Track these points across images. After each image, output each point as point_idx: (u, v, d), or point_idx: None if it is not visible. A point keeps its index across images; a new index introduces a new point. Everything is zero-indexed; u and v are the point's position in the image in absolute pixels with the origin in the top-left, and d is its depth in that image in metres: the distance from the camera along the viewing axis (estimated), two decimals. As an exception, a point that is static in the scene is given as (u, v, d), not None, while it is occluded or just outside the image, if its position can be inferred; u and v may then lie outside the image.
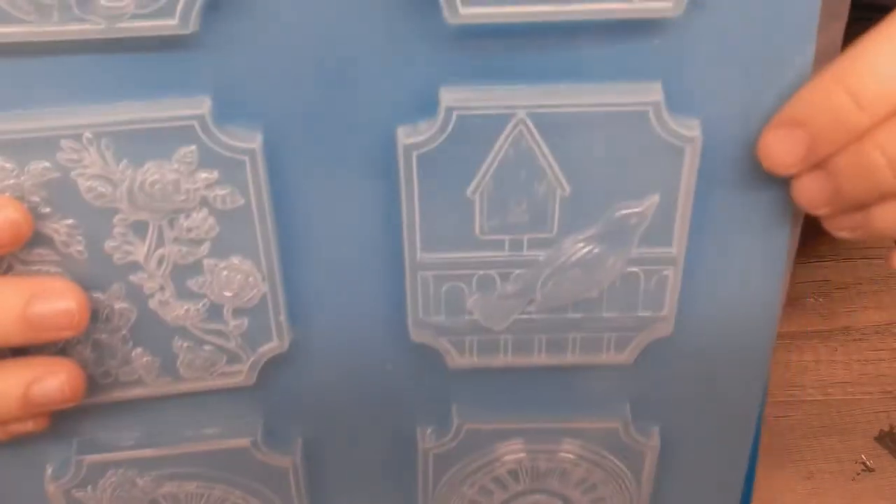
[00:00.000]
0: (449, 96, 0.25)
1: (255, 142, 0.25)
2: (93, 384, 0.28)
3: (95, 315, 0.26)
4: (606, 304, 0.28)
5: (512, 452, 0.32)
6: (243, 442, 0.30)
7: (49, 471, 0.30)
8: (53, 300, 0.24)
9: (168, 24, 0.22)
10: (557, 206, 0.26)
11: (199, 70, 0.24)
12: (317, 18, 0.24)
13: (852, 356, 0.49)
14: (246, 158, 0.25)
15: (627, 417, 0.31)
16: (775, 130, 0.25)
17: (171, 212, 0.25)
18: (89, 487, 0.30)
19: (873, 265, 0.51)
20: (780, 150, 0.25)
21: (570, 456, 0.32)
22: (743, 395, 0.31)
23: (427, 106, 0.25)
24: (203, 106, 0.24)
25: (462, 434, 0.31)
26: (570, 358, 0.30)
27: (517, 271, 0.28)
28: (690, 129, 0.25)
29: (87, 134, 0.24)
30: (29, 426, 0.27)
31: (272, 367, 0.29)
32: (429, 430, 0.31)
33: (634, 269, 0.28)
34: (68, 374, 0.26)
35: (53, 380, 0.26)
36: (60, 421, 0.29)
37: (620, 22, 0.24)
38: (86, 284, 0.26)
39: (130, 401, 0.29)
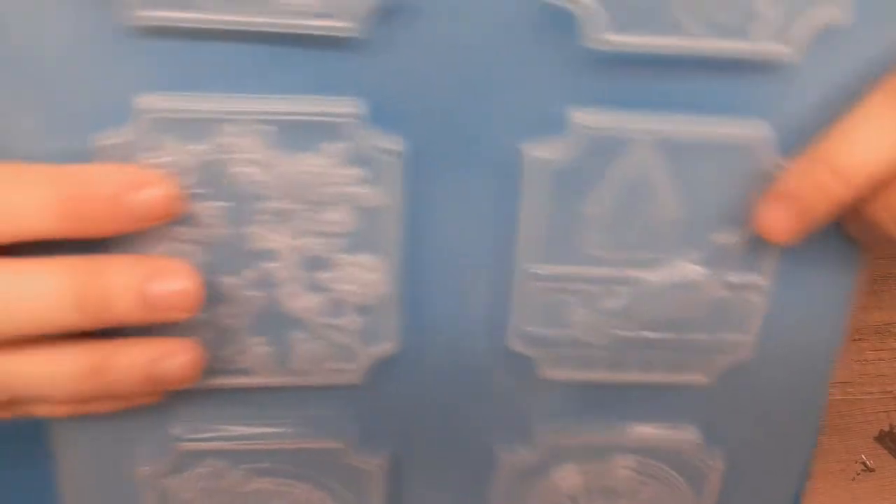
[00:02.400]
0: (579, 116, 0.27)
1: (400, 144, 0.26)
2: (205, 368, 0.28)
3: (223, 299, 0.27)
4: (697, 325, 0.30)
5: (581, 471, 0.33)
6: (337, 444, 0.31)
7: (142, 454, 0.30)
8: (171, 280, 0.25)
9: (344, 27, 0.24)
10: (665, 229, 0.28)
11: (359, 72, 0.26)
12: (466, 35, 0.26)
13: (852, 356, 0.49)
14: (391, 160, 0.26)
15: (698, 438, 0.33)
16: (769, 204, 0.27)
17: (315, 203, 0.26)
18: (180, 476, 0.30)
19: (873, 265, 0.53)
20: (775, 222, 0.27)
21: (633, 473, 0.33)
22: (803, 419, 0.33)
23: (552, 125, 0.27)
24: (358, 106, 0.26)
25: (542, 449, 0.32)
26: (656, 377, 0.31)
27: (620, 288, 0.29)
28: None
29: (249, 120, 0.25)
30: (145, 399, 0.27)
31: (374, 370, 0.30)
32: (511, 444, 0.32)
33: (726, 293, 0.30)
34: (191, 355, 0.26)
35: (177, 359, 0.26)
36: (157, 406, 0.29)
37: (740, 61, 0.26)
38: (220, 268, 0.27)
39: (233, 391, 0.29)
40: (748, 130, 0.27)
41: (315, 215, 0.27)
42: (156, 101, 0.25)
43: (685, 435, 0.33)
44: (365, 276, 0.28)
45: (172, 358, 0.26)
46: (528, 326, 0.30)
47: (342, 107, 0.26)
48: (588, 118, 0.27)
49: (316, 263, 0.27)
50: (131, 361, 0.26)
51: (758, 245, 0.29)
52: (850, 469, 0.46)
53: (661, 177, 0.28)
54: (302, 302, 0.28)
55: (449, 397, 0.31)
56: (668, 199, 0.28)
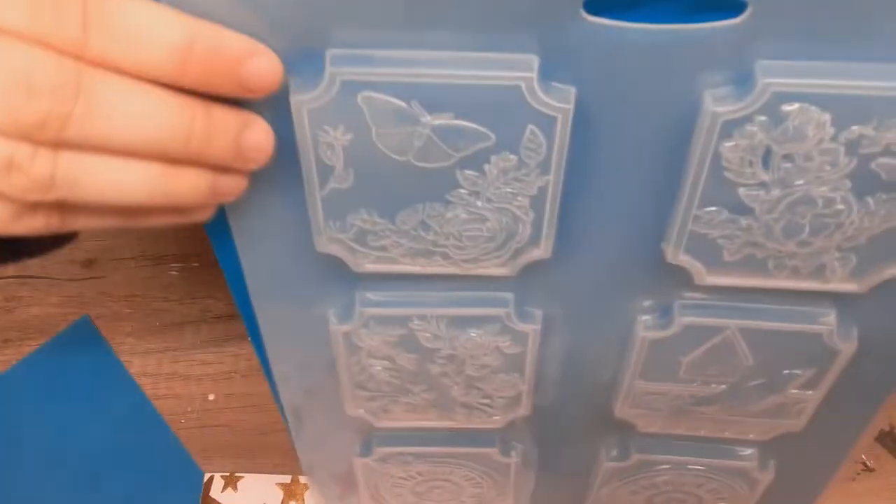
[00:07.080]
0: (682, 318, 0.35)
1: (539, 322, 0.36)
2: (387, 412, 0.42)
3: (413, 397, 0.40)
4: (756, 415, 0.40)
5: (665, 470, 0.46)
6: (486, 451, 0.44)
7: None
8: (259, 132, 0.27)
9: (501, 272, 0.33)
10: (746, 370, 0.37)
11: (505, 294, 0.35)
12: (587, 277, 0.34)
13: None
14: (531, 334, 0.36)
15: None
16: None
17: (474, 356, 0.37)
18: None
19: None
20: None
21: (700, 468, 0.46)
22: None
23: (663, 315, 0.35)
24: (510, 304, 0.35)
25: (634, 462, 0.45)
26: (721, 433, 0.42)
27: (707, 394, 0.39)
28: (847, 345, 0.35)
29: (430, 315, 0.35)
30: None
31: (512, 421, 0.42)
32: (612, 452, 0.45)
33: (781, 400, 0.39)
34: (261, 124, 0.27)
35: (257, 127, 0.27)
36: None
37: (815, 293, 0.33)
38: (412, 385, 0.39)
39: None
40: (816, 325, 0.34)
41: (474, 360, 0.37)
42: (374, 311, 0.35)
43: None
44: (507, 385, 0.39)
45: (254, 126, 0.27)
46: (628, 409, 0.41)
47: (495, 309, 0.35)
48: (689, 319, 0.35)
49: (474, 380, 0.39)
50: (225, 126, 0.26)
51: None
52: (850, 469, 0.48)
53: (746, 353, 0.36)
54: (465, 397, 0.40)
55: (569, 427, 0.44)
56: (747, 358, 0.36)
